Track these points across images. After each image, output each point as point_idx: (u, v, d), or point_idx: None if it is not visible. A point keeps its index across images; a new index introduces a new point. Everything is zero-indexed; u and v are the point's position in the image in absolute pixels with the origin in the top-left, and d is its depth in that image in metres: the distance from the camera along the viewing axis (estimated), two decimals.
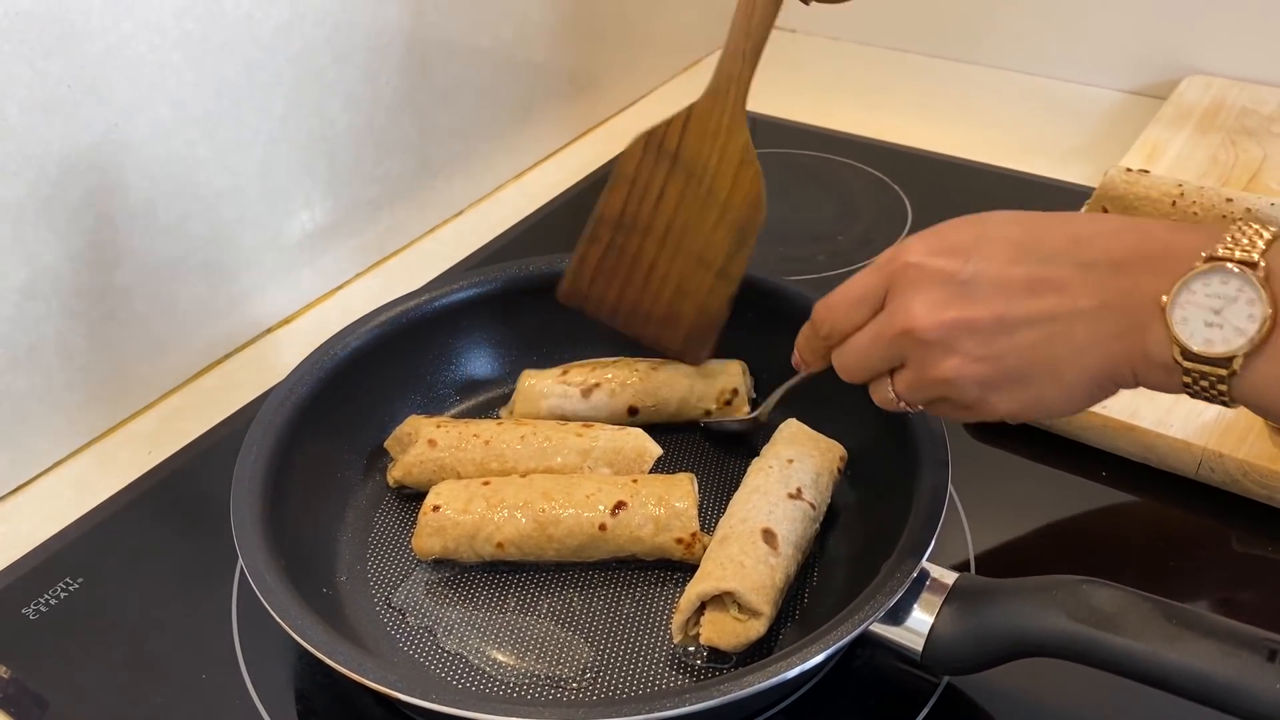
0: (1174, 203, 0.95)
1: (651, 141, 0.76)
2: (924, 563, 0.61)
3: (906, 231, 1.08)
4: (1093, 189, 1.06)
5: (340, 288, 1.04)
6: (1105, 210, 0.98)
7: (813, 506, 0.70)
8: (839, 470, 0.73)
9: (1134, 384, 0.54)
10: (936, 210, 1.10)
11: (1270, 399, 0.50)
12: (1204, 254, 0.49)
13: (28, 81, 0.73)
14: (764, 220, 0.77)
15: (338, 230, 1.01)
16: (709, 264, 0.77)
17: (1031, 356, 0.54)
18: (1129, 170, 0.99)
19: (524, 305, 0.86)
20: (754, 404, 0.81)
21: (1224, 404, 0.51)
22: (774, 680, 0.55)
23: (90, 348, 0.83)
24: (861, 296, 0.60)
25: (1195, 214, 0.94)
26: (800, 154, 1.23)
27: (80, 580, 0.73)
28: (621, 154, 0.76)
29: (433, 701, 0.54)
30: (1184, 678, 0.52)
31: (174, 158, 0.84)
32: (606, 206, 0.78)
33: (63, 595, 0.72)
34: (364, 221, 1.04)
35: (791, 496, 0.69)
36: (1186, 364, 0.50)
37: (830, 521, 0.72)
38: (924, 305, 0.55)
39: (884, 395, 0.61)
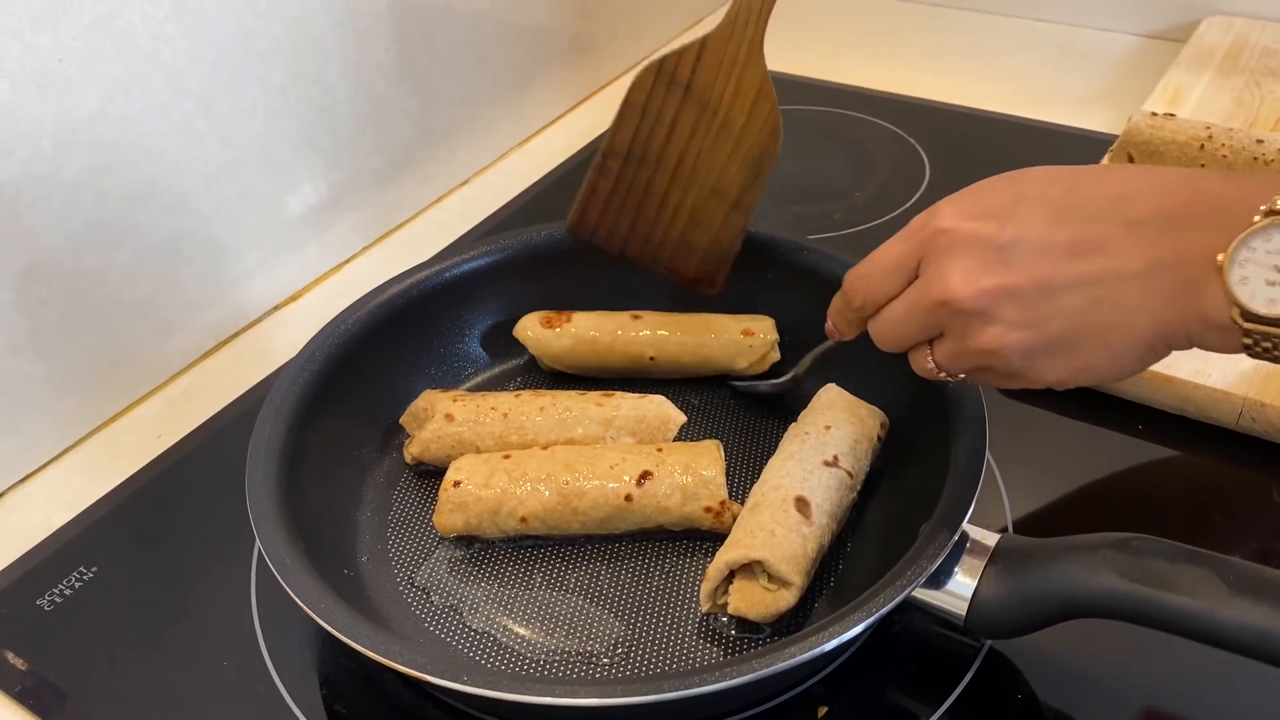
0: (1202, 146, 0.92)
1: (663, 72, 0.74)
2: (965, 524, 0.59)
3: (925, 186, 1.06)
4: (1114, 136, 1.03)
5: (347, 262, 1.01)
6: (1130, 158, 0.95)
7: (850, 474, 0.67)
8: (879, 437, 0.71)
9: (1188, 345, 0.51)
10: (954, 163, 1.09)
11: None
12: (1263, 208, 0.46)
13: (17, 56, 0.70)
14: (779, 151, 0.76)
15: (342, 203, 0.99)
16: (723, 195, 0.76)
17: (1077, 322, 0.51)
18: (1154, 114, 0.96)
19: (536, 273, 0.84)
20: (779, 370, 0.79)
21: None
22: (813, 652, 0.53)
23: (94, 330, 0.81)
24: (895, 265, 0.57)
25: (1225, 157, 0.91)
26: (812, 110, 1.20)
27: (94, 569, 0.72)
28: (631, 84, 0.74)
29: (464, 683, 0.52)
30: (1242, 635, 0.50)
31: (172, 132, 0.81)
32: (615, 138, 0.76)
33: (77, 585, 0.71)
34: (368, 193, 1.01)
35: (827, 464, 0.67)
36: (1247, 325, 0.47)
37: (866, 486, 0.70)
38: (960, 273, 0.53)
39: (923, 364, 0.58)
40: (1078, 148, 1.07)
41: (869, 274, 0.59)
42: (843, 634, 0.54)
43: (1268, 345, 0.47)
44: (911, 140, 1.13)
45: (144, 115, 0.79)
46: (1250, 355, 0.49)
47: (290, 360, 0.74)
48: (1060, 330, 0.52)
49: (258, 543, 0.61)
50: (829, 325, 0.66)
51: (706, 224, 0.77)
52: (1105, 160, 0.99)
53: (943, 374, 0.58)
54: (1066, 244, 0.51)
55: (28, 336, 0.76)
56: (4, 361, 0.76)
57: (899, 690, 0.62)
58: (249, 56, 0.85)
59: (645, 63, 0.74)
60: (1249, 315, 0.47)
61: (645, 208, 0.77)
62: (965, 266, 0.53)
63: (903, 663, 0.63)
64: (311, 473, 0.70)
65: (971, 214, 0.53)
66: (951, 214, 0.54)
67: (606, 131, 0.76)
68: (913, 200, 1.03)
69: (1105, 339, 0.51)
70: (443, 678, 0.53)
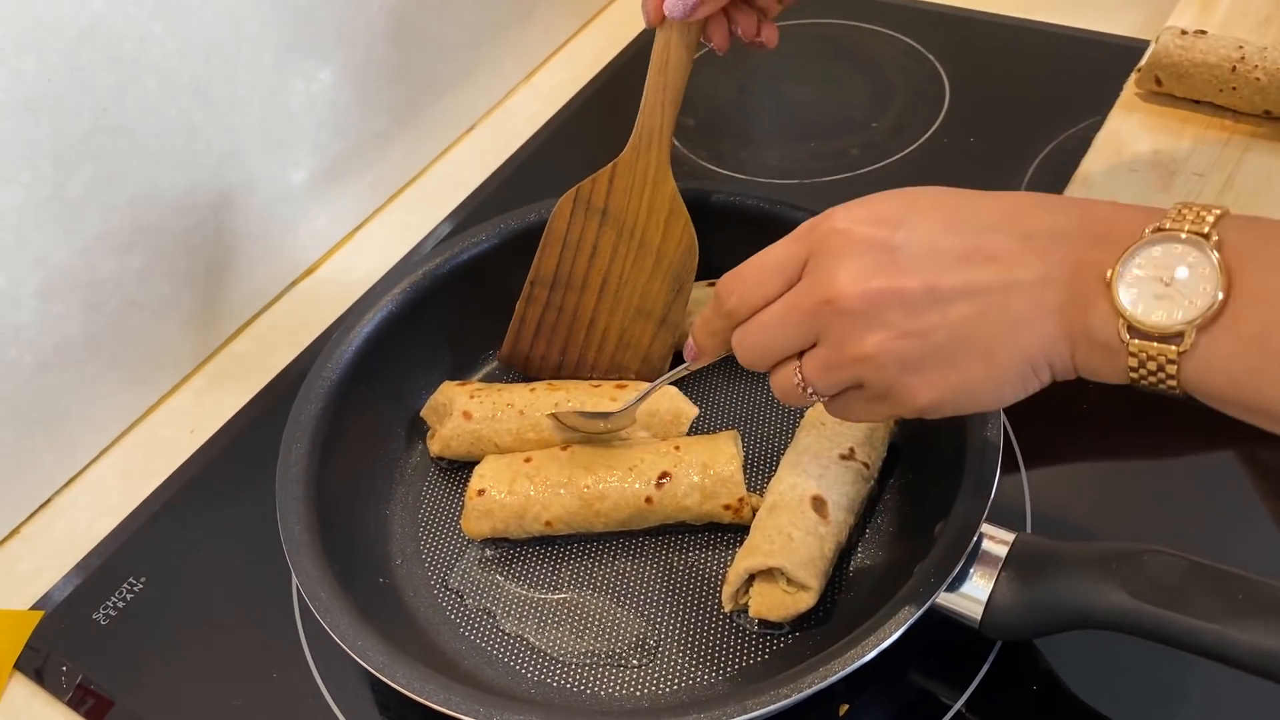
0: (1234, 68, 0.88)
1: (580, 199, 0.76)
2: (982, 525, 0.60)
3: (944, 111, 1.02)
4: (1146, 41, 0.99)
5: (359, 228, 1.01)
6: (1158, 80, 0.91)
7: (866, 466, 0.68)
8: (895, 421, 0.71)
9: (1072, 371, 0.50)
10: (974, 84, 1.05)
11: (1222, 381, 0.45)
12: (1152, 226, 0.46)
13: (5, 83, 0.69)
14: (695, 267, 0.77)
15: (349, 168, 0.98)
16: (649, 314, 0.78)
17: (963, 332, 0.50)
18: (1183, 33, 0.91)
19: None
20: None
21: (1170, 392, 0.47)
22: (833, 679, 0.55)
23: (116, 336, 0.82)
24: (779, 265, 0.54)
25: (1258, 79, 0.87)
26: (826, 24, 1.15)
27: (144, 580, 0.75)
28: (553, 213, 0.77)
29: None
30: (1251, 656, 0.52)
31: (170, 130, 0.80)
32: (541, 267, 0.78)
33: (129, 597, 0.74)
34: (375, 155, 1.00)
35: (843, 457, 0.68)
36: (1134, 343, 0.46)
37: (882, 470, 0.71)
38: (849, 273, 0.51)
39: (788, 382, 0.55)
40: (1106, 56, 1.02)
41: (747, 274, 0.56)
42: (863, 657, 0.55)
43: (1152, 367, 0.46)
44: (930, 57, 1.08)
45: (140, 119, 0.78)
46: (1135, 382, 0.47)
47: (312, 361, 0.75)
48: (944, 341, 0.50)
49: (294, 578, 0.63)
50: (688, 344, 0.63)
51: (635, 344, 0.79)
52: (1131, 81, 0.95)
53: (809, 391, 0.55)
54: (958, 250, 0.50)
55: (52, 353, 0.78)
56: (32, 379, 0.77)
57: (919, 683, 0.64)
58: (239, 41, 0.83)
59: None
60: (1136, 330, 0.46)
61: (575, 332, 0.79)
62: (854, 266, 0.51)
63: (921, 656, 0.65)
64: (343, 481, 0.72)
65: (866, 218, 0.52)
66: (845, 217, 0.52)
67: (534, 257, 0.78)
68: (932, 129, 1.00)
69: (989, 352, 0.50)
70: (473, 715, 0.55)
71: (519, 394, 0.76)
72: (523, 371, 0.82)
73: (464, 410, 0.75)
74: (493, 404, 0.75)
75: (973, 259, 0.49)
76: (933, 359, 0.50)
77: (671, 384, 0.76)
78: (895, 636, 0.56)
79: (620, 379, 0.79)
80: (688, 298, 0.77)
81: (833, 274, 0.51)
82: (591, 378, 0.80)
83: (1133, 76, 0.95)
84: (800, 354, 0.55)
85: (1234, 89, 0.88)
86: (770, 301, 0.55)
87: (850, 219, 0.52)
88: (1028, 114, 0.99)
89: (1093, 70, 1.01)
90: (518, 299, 0.82)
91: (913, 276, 0.50)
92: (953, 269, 0.50)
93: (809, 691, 0.54)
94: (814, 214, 0.55)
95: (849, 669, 0.55)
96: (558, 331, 0.79)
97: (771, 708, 0.54)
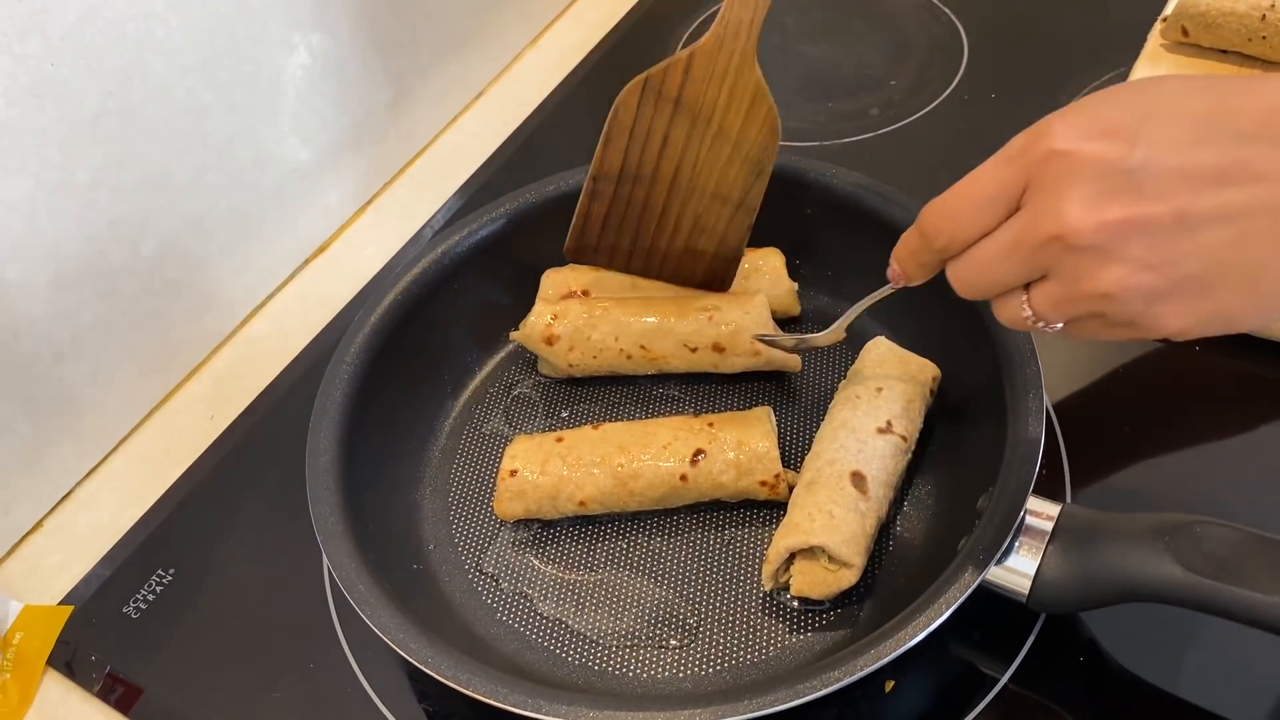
0: (1264, 16, 0.86)
1: (649, 89, 0.71)
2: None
3: (963, 68, 1.00)
4: None
5: (369, 203, 0.99)
6: (1184, 30, 0.89)
7: (904, 439, 0.67)
8: (931, 392, 0.70)
9: None
10: (993, 40, 1.03)
11: None
12: None
13: (9, 70, 0.67)
14: (777, 150, 0.73)
15: (358, 143, 0.96)
16: (725, 199, 0.74)
17: (1220, 259, 0.44)
18: None
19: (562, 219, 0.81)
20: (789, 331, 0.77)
21: None
22: (884, 660, 0.54)
23: (131, 323, 0.80)
24: (991, 195, 0.48)
25: None
26: None
27: (172, 571, 0.74)
28: (616, 104, 0.71)
29: (543, 713, 0.54)
30: None
31: (177, 112, 0.78)
32: (605, 161, 0.73)
33: (159, 589, 0.73)
34: (383, 127, 0.98)
35: (881, 431, 0.67)
36: None
37: (918, 440, 0.70)
38: (1080, 203, 0.45)
39: (1015, 313, 0.50)
40: (1130, 6, 1.00)
41: (957, 207, 0.50)
42: (915, 637, 0.55)
43: None
44: (947, 10, 1.06)
45: (147, 101, 0.76)
46: None
47: (332, 360, 0.73)
48: (1197, 270, 0.45)
49: (330, 567, 0.62)
50: (893, 269, 0.57)
51: (711, 229, 0.75)
52: (1156, 32, 0.93)
53: (1040, 324, 0.50)
54: (1212, 167, 0.43)
55: (68, 343, 0.76)
56: (49, 370, 0.76)
57: (965, 657, 0.64)
58: (245, 17, 0.81)
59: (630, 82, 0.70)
60: None
61: (645, 223, 0.75)
62: (1085, 194, 0.45)
63: (966, 630, 0.64)
64: (370, 464, 0.71)
65: (1091, 132, 0.45)
66: (1067, 133, 0.46)
67: (594, 153, 0.73)
68: (952, 86, 0.98)
69: (1251, 280, 0.45)
70: (519, 707, 0.55)
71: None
72: (590, 264, 0.79)
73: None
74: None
75: (1233, 177, 0.43)
76: (1184, 288, 0.45)
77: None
78: (946, 616, 0.55)
79: (692, 270, 0.77)
80: (767, 181, 0.73)
81: (1059, 205, 0.45)
82: (664, 266, 0.78)
83: (1157, 26, 0.92)
84: (1027, 284, 0.50)
85: (1264, 38, 0.86)
86: (986, 233, 0.49)
87: (1074, 135, 0.45)
88: (1049, 67, 0.97)
89: (1115, 21, 0.99)
90: (542, 271, 0.80)
91: (1157, 201, 0.44)
92: (1208, 190, 0.43)
93: (861, 674, 0.54)
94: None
95: (901, 649, 0.54)
96: (626, 223, 0.75)
97: (823, 691, 0.54)
